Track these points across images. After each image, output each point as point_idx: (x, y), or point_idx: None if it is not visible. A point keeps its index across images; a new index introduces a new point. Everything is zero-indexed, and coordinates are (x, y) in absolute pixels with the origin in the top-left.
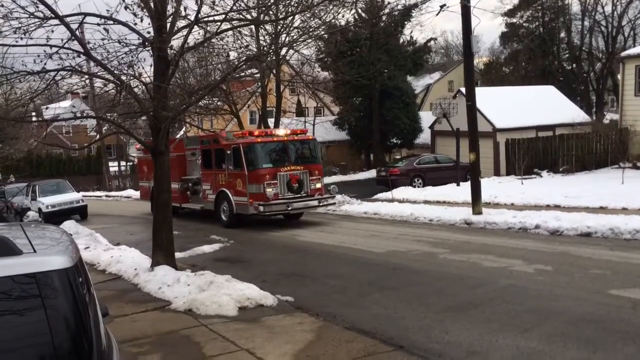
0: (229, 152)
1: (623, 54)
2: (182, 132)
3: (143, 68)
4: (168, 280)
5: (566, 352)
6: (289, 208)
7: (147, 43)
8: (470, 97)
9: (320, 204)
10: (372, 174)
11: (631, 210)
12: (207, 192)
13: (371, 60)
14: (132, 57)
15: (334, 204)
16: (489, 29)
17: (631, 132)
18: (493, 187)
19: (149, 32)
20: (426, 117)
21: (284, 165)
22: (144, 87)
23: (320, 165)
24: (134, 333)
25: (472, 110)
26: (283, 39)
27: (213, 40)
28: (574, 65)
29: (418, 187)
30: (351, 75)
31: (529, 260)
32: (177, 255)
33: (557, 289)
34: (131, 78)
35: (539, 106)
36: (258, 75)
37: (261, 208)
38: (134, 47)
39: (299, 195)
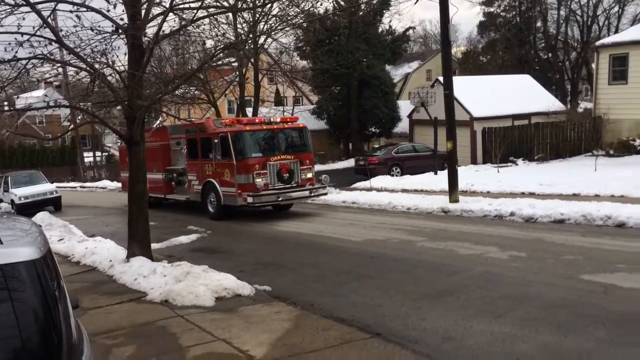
0: (216, 141)
1: (597, 43)
2: (158, 122)
3: (117, 56)
4: (144, 272)
5: (538, 337)
6: (280, 199)
7: (120, 30)
8: (448, 86)
9: (312, 195)
10: (350, 163)
11: (603, 197)
12: (193, 182)
13: (350, 49)
14: (105, 45)
15: (325, 194)
16: (467, 18)
17: (604, 121)
18: (470, 175)
19: (122, 20)
20: (405, 106)
21: (274, 155)
22: (117, 75)
23: (312, 154)
24: (109, 325)
25: (450, 99)
26: (261, 27)
27: (189, 28)
28: (550, 54)
29: (396, 175)
30: (330, 64)
31: (504, 247)
32: (154, 246)
33: (530, 275)
34: (104, 66)
35: (515, 95)
36: (236, 64)
37: (250, 199)
38: (108, 34)
39: (290, 185)
